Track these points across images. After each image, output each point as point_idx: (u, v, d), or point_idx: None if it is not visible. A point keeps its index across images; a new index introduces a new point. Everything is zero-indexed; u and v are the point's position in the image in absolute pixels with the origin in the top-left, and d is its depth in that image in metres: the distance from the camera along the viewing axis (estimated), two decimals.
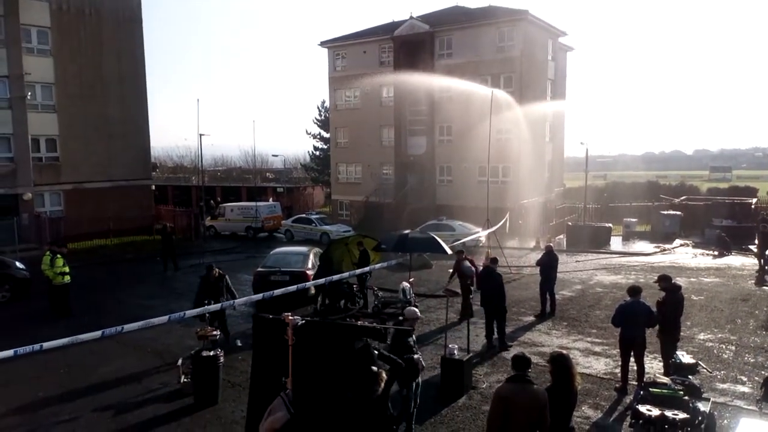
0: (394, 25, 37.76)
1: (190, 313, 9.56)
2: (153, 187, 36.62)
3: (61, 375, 11.00)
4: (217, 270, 12.27)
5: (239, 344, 12.53)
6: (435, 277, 20.42)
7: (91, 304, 16.85)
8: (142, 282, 20.86)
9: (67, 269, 15.65)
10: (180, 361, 10.52)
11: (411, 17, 36.66)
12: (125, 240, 29.91)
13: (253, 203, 34.80)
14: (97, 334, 7.01)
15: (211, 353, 9.62)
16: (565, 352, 6.34)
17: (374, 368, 6.20)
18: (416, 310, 8.82)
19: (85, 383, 10.60)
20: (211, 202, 41.62)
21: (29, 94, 28.42)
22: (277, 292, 9.46)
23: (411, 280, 15.42)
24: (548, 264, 14.93)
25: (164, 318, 8.60)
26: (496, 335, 12.36)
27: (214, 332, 10.44)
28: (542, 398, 5.60)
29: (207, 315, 12.67)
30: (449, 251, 15.61)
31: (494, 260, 13.43)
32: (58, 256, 15.61)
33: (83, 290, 17.88)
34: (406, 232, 17.47)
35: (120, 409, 9.43)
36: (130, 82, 32.88)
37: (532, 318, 14.43)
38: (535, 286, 14.61)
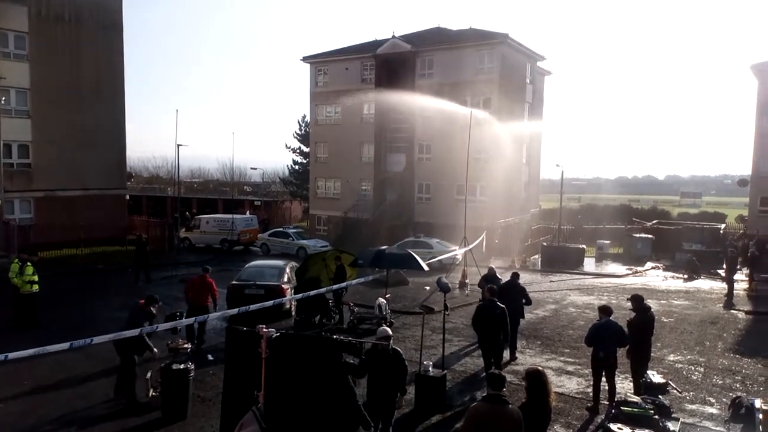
0: (376, 44, 38.17)
1: (162, 326, 9.39)
2: (127, 197, 36.05)
3: (25, 387, 10.67)
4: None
5: (211, 358, 12.33)
6: (411, 293, 20.44)
7: (60, 316, 16.42)
8: (113, 293, 20.40)
9: (36, 278, 15.23)
10: (149, 374, 10.30)
11: (393, 36, 37.13)
12: (96, 250, 29.30)
13: (229, 216, 34.49)
14: (65, 345, 6.79)
15: (182, 366, 9.45)
16: (540, 368, 6.39)
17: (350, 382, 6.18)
18: (388, 329, 8.55)
19: (50, 395, 10.30)
20: (187, 213, 41.10)
21: (3, 99, 27.86)
22: (253, 306, 9.31)
23: (387, 296, 15.42)
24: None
25: (136, 330, 8.42)
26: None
27: (186, 345, 10.27)
28: (517, 418, 5.62)
29: (179, 327, 12.47)
30: (426, 268, 15.64)
31: (516, 274, 13.42)
32: (29, 264, 15.20)
33: (51, 301, 17.42)
34: (384, 248, 17.48)
35: (86, 423, 9.18)
36: (107, 89, 32.48)
37: None
38: None
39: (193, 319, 10.31)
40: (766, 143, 32.80)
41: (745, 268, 24.12)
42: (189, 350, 10.21)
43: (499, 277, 14.61)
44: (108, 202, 32.16)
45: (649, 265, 28.62)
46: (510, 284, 13.07)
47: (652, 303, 13.26)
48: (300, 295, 12.43)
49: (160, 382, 9.55)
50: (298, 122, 54.46)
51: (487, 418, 5.57)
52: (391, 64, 36.44)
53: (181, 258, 29.02)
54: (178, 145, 29.81)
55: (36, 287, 15.25)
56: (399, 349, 7.90)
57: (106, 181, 32.42)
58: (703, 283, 23.81)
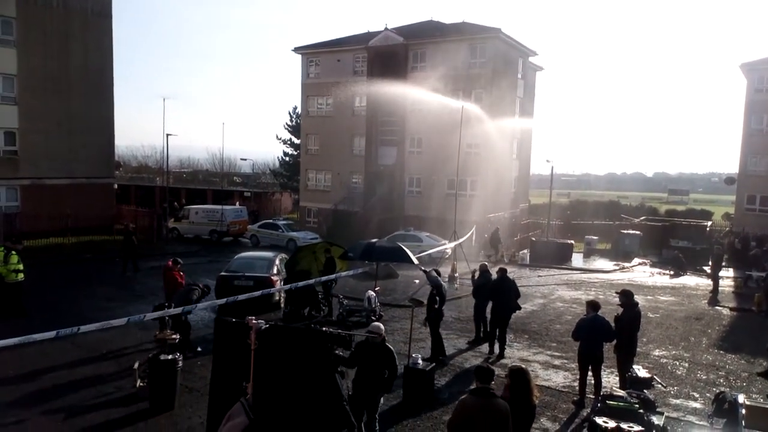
0: (369, 36, 37.99)
1: (150, 315, 9.34)
2: (115, 186, 35.73)
3: (10, 376, 10.56)
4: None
5: (199, 349, 12.27)
6: (401, 286, 20.48)
7: (46, 305, 16.27)
8: (100, 283, 20.26)
9: (21, 267, 15.07)
10: (136, 365, 10.26)
11: (386, 29, 36.95)
12: (84, 239, 29.00)
13: (218, 206, 34.29)
14: (52, 334, 6.75)
15: (170, 357, 9.40)
16: (523, 366, 6.41)
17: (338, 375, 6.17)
18: (381, 326, 8.08)
19: (35, 385, 10.21)
20: (175, 203, 40.79)
21: None
22: (241, 297, 9.29)
23: (377, 288, 15.44)
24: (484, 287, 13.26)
25: (123, 320, 8.36)
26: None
27: (174, 336, 10.24)
28: (505, 411, 5.64)
29: (167, 318, 12.42)
30: (416, 261, 15.67)
31: (503, 269, 13.19)
32: (13, 252, 15.03)
33: (38, 290, 17.26)
34: (374, 241, 17.49)
35: (71, 413, 9.11)
36: (96, 77, 32.09)
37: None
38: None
39: (180, 309, 10.26)
40: (753, 142, 33.16)
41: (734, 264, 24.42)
42: (176, 341, 10.19)
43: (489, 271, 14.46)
44: (96, 191, 31.86)
45: (636, 261, 28.86)
46: (501, 279, 12.92)
47: (639, 298, 13.35)
48: (288, 286, 12.39)
49: (148, 373, 9.51)
50: (289, 113, 54.21)
51: (475, 412, 5.59)
52: (384, 56, 36.29)
53: (169, 248, 28.82)
54: (167, 135, 29.57)
55: (21, 276, 15.09)
56: (391, 347, 7.85)
57: (94, 169, 32.11)
58: (689, 280, 24.06)
